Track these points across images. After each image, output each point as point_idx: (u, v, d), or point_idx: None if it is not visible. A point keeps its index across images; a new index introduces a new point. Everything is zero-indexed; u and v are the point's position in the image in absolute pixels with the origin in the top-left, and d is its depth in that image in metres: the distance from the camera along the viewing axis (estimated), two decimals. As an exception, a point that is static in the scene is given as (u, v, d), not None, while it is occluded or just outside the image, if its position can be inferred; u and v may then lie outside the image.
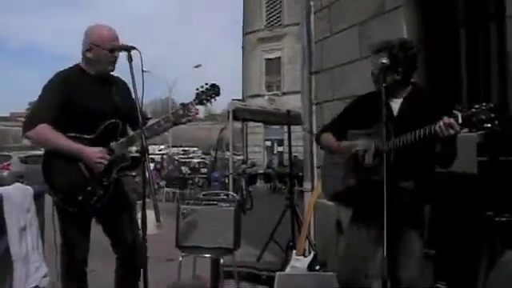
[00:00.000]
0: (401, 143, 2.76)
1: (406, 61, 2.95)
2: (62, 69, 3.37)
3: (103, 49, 3.25)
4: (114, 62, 3.34)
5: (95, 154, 3.22)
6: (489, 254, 3.45)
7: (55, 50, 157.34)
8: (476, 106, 2.49)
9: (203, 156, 36.25)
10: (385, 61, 2.88)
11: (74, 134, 3.23)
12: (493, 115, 2.44)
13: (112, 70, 3.41)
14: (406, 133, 2.75)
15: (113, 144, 3.32)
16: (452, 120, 2.54)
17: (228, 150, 17.61)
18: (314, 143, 6.06)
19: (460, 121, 2.53)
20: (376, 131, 2.87)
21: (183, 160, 28.53)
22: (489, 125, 2.46)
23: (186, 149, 49.12)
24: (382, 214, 2.56)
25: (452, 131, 2.55)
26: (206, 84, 3.43)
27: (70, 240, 3.28)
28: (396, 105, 3.00)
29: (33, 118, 3.25)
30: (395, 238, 2.83)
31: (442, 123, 2.56)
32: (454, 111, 2.55)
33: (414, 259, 2.99)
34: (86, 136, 3.26)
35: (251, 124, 30.55)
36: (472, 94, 4.38)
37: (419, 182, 2.93)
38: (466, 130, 2.61)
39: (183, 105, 3.41)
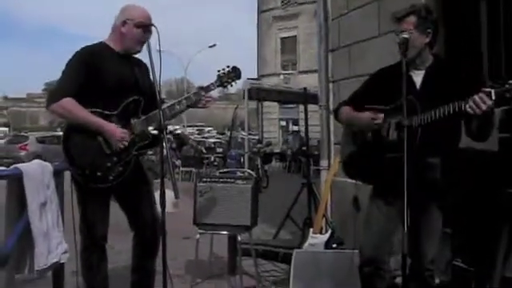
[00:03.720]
0: (429, 119, 2.69)
1: (433, 23, 2.89)
2: (77, 49, 3.35)
3: (138, 27, 3.27)
4: (143, 43, 3.34)
5: (118, 131, 3.24)
6: (509, 231, 3.42)
7: (71, 31, 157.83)
8: (510, 82, 2.42)
9: (218, 136, 36.35)
10: (406, 35, 2.82)
11: (96, 110, 3.25)
12: None
13: (139, 51, 3.42)
14: (430, 106, 2.68)
15: (134, 121, 3.34)
16: (485, 97, 2.47)
17: (243, 129, 17.62)
18: (331, 121, 6.04)
19: (493, 97, 2.46)
20: (399, 105, 2.82)
21: (198, 139, 28.60)
22: None
23: (201, 128, 49.28)
24: (404, 191, 2.52)
25: (485, 108, 2.48)
26: (228, 67, 3.49)
27: (89, 216, 3.31)
28: (418, 77, 2.93)
29: (57, 92, 3.28)
30: (419, 215, 2.80)
31: (473, 101, 2.49)
32: (484, 89, 2.48)
33: (436, 236, 2.98)
34: (109, 112, 3.28)
35: (266, 103, 30.58)
36: (493, 68, 4.30)
37: (446, 157, 2.88)
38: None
39: (204, 87, 3.44)
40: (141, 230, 3.49)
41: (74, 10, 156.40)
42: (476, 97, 2.49)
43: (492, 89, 2.47)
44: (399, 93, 2.72)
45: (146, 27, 3.26)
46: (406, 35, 2.81)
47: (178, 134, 23.22)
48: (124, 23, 3.31)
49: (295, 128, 32.14)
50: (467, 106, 2.53)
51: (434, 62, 2.97)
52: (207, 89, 3.44)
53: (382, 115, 2.93)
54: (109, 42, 3.39)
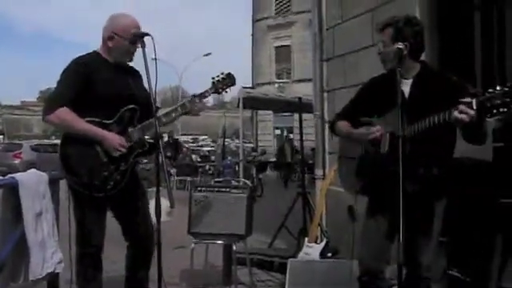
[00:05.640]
0: (414, 131, 2.71)
1: (412, 36, 2.88)
2: (73, 57, 3.37)
3: (125, 39, 3.27)
4: (133, 54, 3.36)
5: (116, 138, 3.25)
6: (503, 241, 3.44)
7: (66, 38, 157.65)
8: (490, 91, 2.42)
9: (212, 144, 36.33)
10: (401, 46, 2.84)
11: (92, 119, 3.25)
12: (508, 99, 2.36)
13: (130, 61, 3.44)
14: (418, 116, 2.70)
15: (131, 130, 3.34)
16: (465, 107, 2.47)
17: (237, 137, 17.64)
18: (326, 130, 6.06)
19: (475, 107, 2.46)
20: (389, 117, 2.84)
21: (193, 148, 28.57)
22: (505, 109, 2.40)
23: (196, 137, 49.26)
24: (399, 202, 2.52)
25: (468, 118, 2.48)
26: (222, 73, 3.48)
27: (85, 225, 3.30)
28: (406, 87, 2.92)
29: (52, 102, 3.28)
30: (412, 226, 2.81)
31: (455, 113, 2.50)
32: (465, 100, 2.49)
33: (430, 246, 2.98)
34: (105, 121, 3.28)
35: (261, 112, 30.63)
36: (486, 77, 4.33)
37: (436, 168, 2.88)
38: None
39: (199, 95, 3.44)
40: (135, 241, 3.49)
41: (71, 17, 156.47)
42: (457, 108, 2.50)
43: (474, 98, 2.47)
44: (389, 103, 2.74)
45: (134, 39, 3.23)
46: (400, 46, 2.83)
47: (175, 139, 23.16)
48: (111, 37, 3.30)
49: (290, 137, 32.18)
50: (452, 119, 2.54)
51: (421, 71, 2.97)
52: (202, 96, 3.44)
53: (377, 128, 2.92)
54: (101, 52, 3.39)
